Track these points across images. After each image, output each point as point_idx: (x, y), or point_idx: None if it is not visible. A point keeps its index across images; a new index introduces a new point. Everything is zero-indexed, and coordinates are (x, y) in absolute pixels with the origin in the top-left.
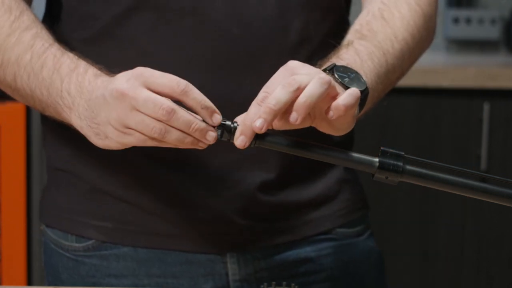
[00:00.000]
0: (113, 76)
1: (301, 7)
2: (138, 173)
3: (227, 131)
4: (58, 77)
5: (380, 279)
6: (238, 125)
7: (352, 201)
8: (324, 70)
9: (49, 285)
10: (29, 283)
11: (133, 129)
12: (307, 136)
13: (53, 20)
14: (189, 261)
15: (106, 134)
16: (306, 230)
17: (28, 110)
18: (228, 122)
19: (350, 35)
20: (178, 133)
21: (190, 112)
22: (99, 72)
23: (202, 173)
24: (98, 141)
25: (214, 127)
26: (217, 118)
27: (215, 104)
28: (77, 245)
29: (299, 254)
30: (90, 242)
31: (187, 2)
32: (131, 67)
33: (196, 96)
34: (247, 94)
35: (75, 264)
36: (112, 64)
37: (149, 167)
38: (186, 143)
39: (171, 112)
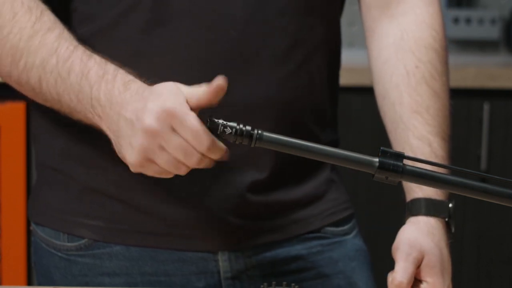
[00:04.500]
0: (141, 83)
1: (297, 11)
2: (130, 172)
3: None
4: (87, 84)
5: (368, 277)
6: (245, 128)
7: (338, 201)
8: None
9: (39, 285)
10: (29, 283)
11: (157, 164)
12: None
13: None
14: (181, 259)
15: (124, 156)
16: (296, 229)
17: (28, 110)
18: (233, 124)
19: (409, 117)
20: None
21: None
22: (127, 78)
23: (194, 172)
24: (119, 155)
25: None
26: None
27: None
28: (69, 244)
29: (289, 252)
30: (82, 241)
31: (184, 4)
32: (126, 67)
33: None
34: (241, 95)
35: (67, 263)
36: None
37: None
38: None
39: (200, 162)
